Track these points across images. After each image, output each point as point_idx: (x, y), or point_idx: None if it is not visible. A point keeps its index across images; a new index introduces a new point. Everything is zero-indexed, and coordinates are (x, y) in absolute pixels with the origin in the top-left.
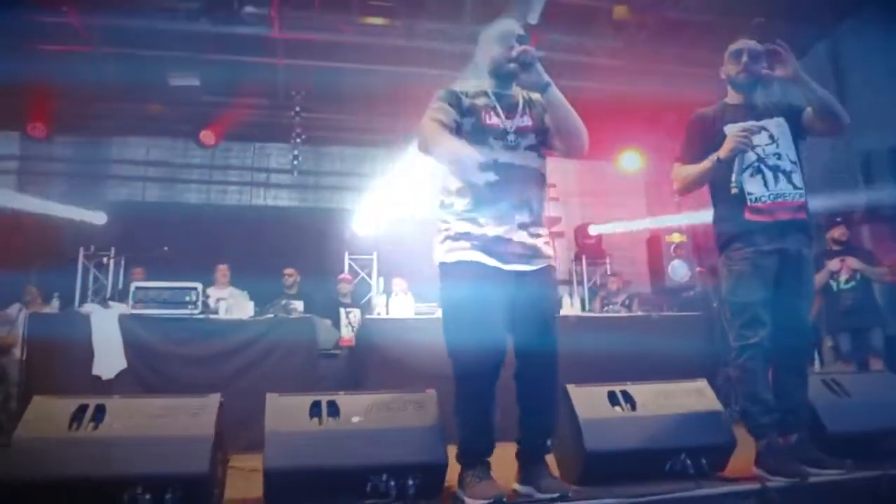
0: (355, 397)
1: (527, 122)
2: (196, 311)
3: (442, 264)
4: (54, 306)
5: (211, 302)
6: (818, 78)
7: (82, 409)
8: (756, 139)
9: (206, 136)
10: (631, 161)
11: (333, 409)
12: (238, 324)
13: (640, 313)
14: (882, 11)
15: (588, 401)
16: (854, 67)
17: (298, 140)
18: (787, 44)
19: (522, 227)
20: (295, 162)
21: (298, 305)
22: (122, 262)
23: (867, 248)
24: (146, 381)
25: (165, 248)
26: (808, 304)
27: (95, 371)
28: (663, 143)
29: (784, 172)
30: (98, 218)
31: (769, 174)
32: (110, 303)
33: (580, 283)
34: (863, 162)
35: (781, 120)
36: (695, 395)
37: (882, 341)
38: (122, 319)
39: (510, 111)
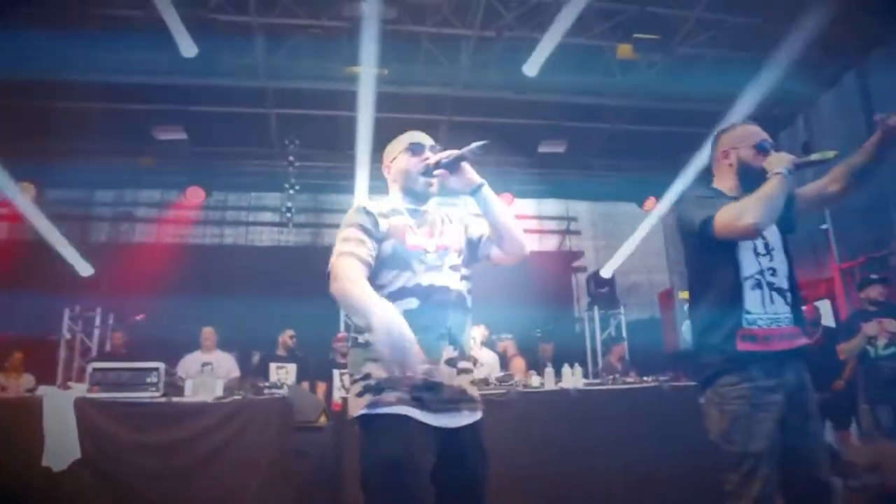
0: None
1: (447, 240)
2: (157, 394)
3: (363, 417)
4: (28, 380)
5: (182, 377)
6: (847, 111)
7: None
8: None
9: (194, 192)
10: (648, 204)
11: None
12: (203, 407)
13: (650, 382)
14: None
15: None
16: (884, 99)
17: (292, 191)
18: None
19: (449, 363)
20: (288, 214)
21: (291, 369)
22: (111, 320)
23: None
24: (102, 473)
25: (138, 318)
26: (819, 445)
27: (45, 462)
28: (680, 184)
29: (780, 291)
30: (84, 269)
31: (766, 291)
32: (70, 384)
33: (592, 338)
34: None
35: (775, 227)
36: None
37: None
38: (78, 404)
39: (429, 229)
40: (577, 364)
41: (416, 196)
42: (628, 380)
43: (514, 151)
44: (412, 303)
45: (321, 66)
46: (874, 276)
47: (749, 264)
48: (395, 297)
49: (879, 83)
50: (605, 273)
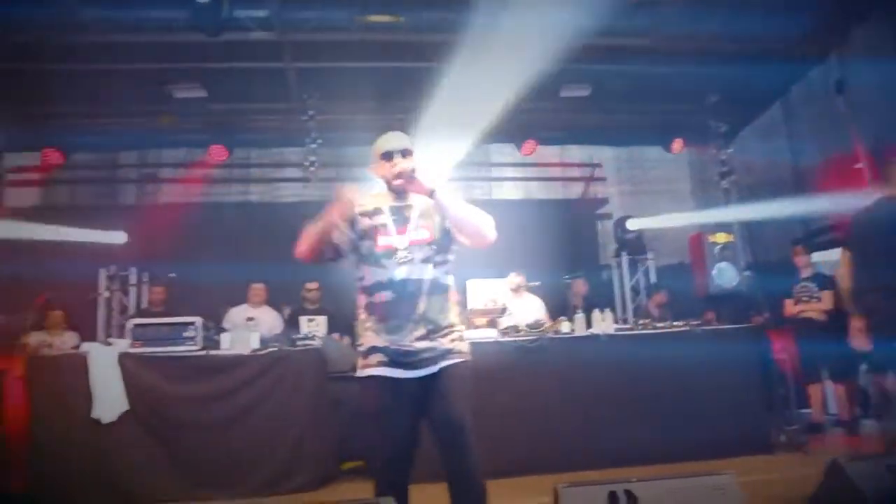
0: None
1: (421, 234)
2: (196, 348)
3: (359, 377)
4: (72, 337)
5: (230, 325)
6: (879, 48)
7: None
8: None
9: (217, 151)
10: (675, 146)
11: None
12: (240, 359)
13: (681, 326)
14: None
15: None
16: None
17: (314, 145)
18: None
19: (423, 338)
20: (311, 168)
21: (321, 321)
22: (145, 278)
23: None
24: (148, 424)
25: (171, 275)
26: None
27: (95, 414)
28: (707, 128)
29: None
30: (118, 237)
31: None
32: (111, 340)
33: (621, 285)
34: None
35: None
36: (716, 496)
37: None
38: (122, 359)
39: (404, 225)
40: (607, 309)
41: (396, 192)
42: (659, 324)
43: (536, 96)
44: (386, 295)
45: (334, 16)
46: None
47: None
48: (371, 290)
49: None
50: (632, 226)
